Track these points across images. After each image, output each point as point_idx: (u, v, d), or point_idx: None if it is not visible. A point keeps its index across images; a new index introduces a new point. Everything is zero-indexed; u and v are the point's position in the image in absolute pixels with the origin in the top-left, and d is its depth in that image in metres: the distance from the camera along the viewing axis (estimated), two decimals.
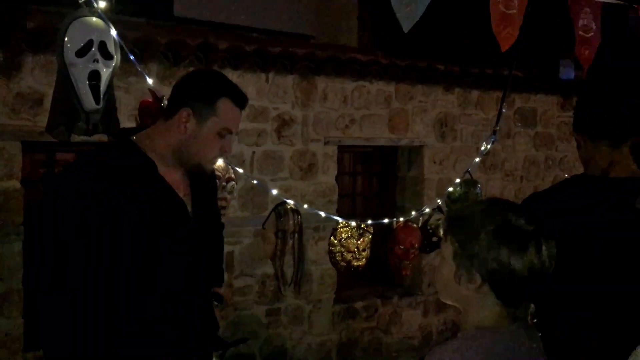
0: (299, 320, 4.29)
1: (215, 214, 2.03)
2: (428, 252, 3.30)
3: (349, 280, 4.55)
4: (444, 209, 3.29)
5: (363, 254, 2.99)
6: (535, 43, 5.33)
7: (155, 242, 1.66)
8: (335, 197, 4.43)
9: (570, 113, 5.53)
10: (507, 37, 3.38)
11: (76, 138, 2.23)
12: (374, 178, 5.02)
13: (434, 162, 4.83)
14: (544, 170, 5.39)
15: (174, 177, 1.76)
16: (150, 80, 2.44)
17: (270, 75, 4.09)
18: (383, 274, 4.61)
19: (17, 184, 3.31)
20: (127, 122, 3.04)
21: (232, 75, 3.95)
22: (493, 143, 3.45)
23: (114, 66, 2.28)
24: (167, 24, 4.22)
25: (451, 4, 4.87)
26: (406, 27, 3.00)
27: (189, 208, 1.77)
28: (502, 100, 3.50)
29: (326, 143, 4.35)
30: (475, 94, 4.99)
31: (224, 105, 1.72)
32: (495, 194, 5.09)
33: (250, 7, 4.58)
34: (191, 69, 3.81)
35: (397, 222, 3.13)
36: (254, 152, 4.05)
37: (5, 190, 3.25)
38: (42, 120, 3.43)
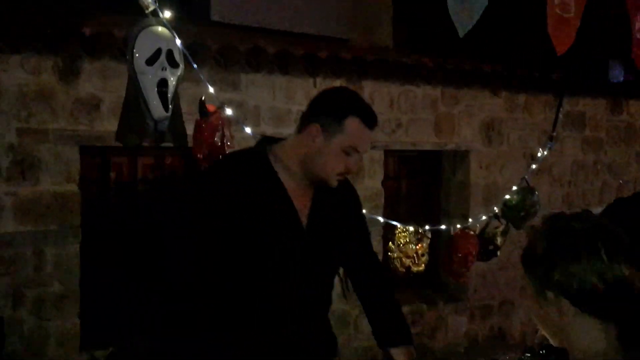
0: (345, 324, 4.27)
1: (352, 229, 1.98)
2: (485, 261, 3.25)
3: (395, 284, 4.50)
4: (500, 216, 3.24)
5: (422, 259, 2.96)
6: (585, 44, 5.23)
7: (262, 248, 1.72)
8: (382, 201, 4.40)
9: (620, 117, 5.39)
10: (563, 40, 3.32)
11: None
12: (419, 182, 4.98)
13: (480, 167, 4.77)
14: (592, 175, 5.28)
15: (296, 188, 1.79)
16: (211, 89, 2.45)
17: (318, 79, 4.08)
18: (428, 278, 4.57)
19: (75, 188, 3.36)
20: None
21: (281, 80, 3.96)
22: (550, 149, 3.40)
23: (180, 75, 2.29)
24: (213, 28, 4.24)
25: (495, 3, 4.81)
26: (462, 31, 2.95)
27: (304, 218, 1.79)
28: (559, 105, 3.45)
29: (373, 147, 4.31)
30: (522, 97, 4.91)
31: (352, 124, 1.73)
32: (543, 199, 4.99)
33: (283, 11, 4.56)
34: (241, 73, 3.83)
35: (455, 229, 3.09)
36: None
37: (63, 194, 3.30)
38: (99, 125, 3.51)
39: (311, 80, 4.05)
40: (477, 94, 4.70)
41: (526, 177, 3.33)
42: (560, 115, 3.52)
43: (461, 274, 3.10)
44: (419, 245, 2.96)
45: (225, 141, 2.34)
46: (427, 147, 4.56)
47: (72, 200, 3.32)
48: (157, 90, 2.18)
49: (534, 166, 3.39)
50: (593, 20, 4.66)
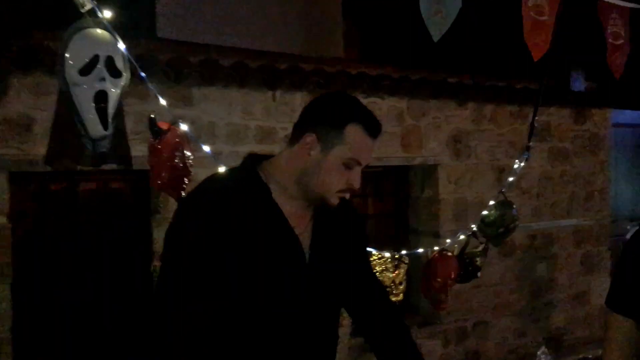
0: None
1: (355, 257, 1.72)
2: (463, 283, 3.00)
3: None
4: (477, 233, 3.01)
5: (400, 287, 2.69)
6: (547, 52, 5.13)
7: (257, 279, 1.49)
8: None
9: (583, 126, 5.28)
10: (539, 45, 3.14)
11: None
12: (386, 200, 4.73)
13: (449, 182, 4.56)
14: (560, 186, 5.15)
15: (294, 210, 1.56)
16: (163, 101, 2.13)
17: (278, 93, 3.80)
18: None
19: (4, 219, 2.95)
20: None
21: (238, 94, 3.65)
22: (527, 160, 3.20)
23: (123, 85, 1.97)
24: (161, 43, 3.91)
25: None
26: (436, 35, 2.72)
27: (306, 246, 1.56)
28: (534, 114, 3.27)
29: None
30: (489, 108, 4.74)
31: (353, 133, 1.50)
32: None
33: (231, 27, 4.29)
34: (193, 87, 3.51)
35: (433, 251, 2.83)
36: None
37: None
38: (32, 148, 3.12)
39: (270, 94, 3.76)
40: (444, 106, 4.51)
41: (503, 190, 3.12)
42: (536, 124, 3.32)
43: (442, 301, 2.85)
44: (396, 272, 2.69)
45: (187, 162, 2.02)
46: (395, 162, 4.33)
47: (1, 235, 2.91)
48: (95, 104, 1.85)
49: (510, 179, 3.18)
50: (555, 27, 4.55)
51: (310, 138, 1.51)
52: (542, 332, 5.10)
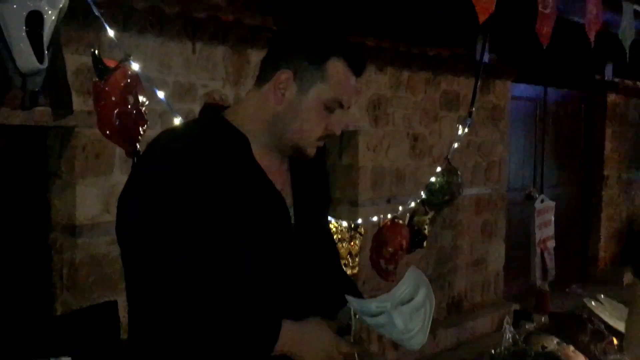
0: None
1: (322, 217, 1.54)
2: (409, 253, 2.88)
3: None
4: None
5: (356, 260, 2.49)
6: (455, 20, 5.15)
7: (242, 247, 1.27)
8: None
9: (487, 97, 5.40)
10: (484, 6, 3.05)
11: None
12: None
13: (368, 149, 4.43)
14: (465, 156, 5.24)
15: (270, 164, 1.35)
16: (111, 32, 1.71)
17: (198, 45, 3.39)
18: None
19: None
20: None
21: (154, 43, 3.20)
22: (469, 126, 3.13)
23: (62, 8, 1.54)
24: None
25: None
26: None
27: (288, 202, 1.36)
28: (477, 81, 3.20)
29: None
30: (405, 74, 4.66)
31: (335, 69, 1.30)
32: (424, 182, 4.82)
33: None
34: (100, 33, 3.00)
35: (384, 219, 2.67)
36: None
37: None
38: None
39: (190, 46, 3.35)
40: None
41: (449, 157, 3.02)
42: (478, 91, 3.26)
43: (391, 272, 2.70)
44: (352, 243, 2.49)
45: (141, 107, 1.64)
46: None
47: None
48: (26, 29, 1.42)
49: (455, 145, 3.09)
50: None
51: (285, 75, 1.30)
52: (445, 298, 5.21)
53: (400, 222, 2.70)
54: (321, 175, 1.55)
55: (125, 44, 3.05)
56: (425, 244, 2.83)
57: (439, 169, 2.96)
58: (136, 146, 1.71)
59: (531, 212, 6.44)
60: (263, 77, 1.35)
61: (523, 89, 6.13)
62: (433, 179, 2.90)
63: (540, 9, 3.54)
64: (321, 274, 1.46)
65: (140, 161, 1.30)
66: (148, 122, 1.69)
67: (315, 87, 1.30)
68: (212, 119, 1.35)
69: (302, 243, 1.39)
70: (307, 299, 1.39)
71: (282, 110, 1.32)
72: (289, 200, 1.37)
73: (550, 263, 4.46)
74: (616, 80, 6.97)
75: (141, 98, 1.66)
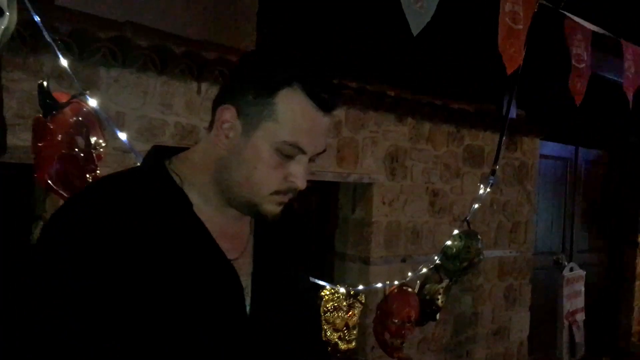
0: None
1: (296, 292, 1.20)
2: (420, 326, 2.56)
3: None
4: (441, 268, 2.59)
5: (353, 333, 2.18)
6: (481, 75, 4.92)
7: (170, 339, 0.97)
8: None
9: (514, 154, 5.10)
10: (512, 57, 2.81)
11: None
12: (310, 221, 4.23)
13: (383, 203, 4.14)
14: (489, 215, 4.91)
15: (224, 225, 1.08)
16: (65, 62, 1.50)
17: (204, 86, 3.19)
18: None
19: None
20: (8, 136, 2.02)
21: (156, 82, 3.01)
22: (491, 185, 2.84)
23: (4, 29, 1.34)
24: (65, 11, 3.19)
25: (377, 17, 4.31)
26: (415, 28, 2.28)
27: (245, 278, 1.07)
28: (502, 136, 2.93)
29: None
30: (427, 126, 4.40)
31: (289, 103, 1.01)
32: (442, 241, 4.50)
33: (145, 4, 3.70)
34: (101, 67, 2.83)
35: (391, 286, 2.36)
36: None
37: None
38: None
39: (195, 86, 3.15)
40: (383, 119, 4.10)
41: (467, 218, 2.73)
42: (503, 147, 2.99)
43: (397, 348, 2.38)
44: (350, 312, 2.18)
45: (93, 152, 1.40)
46: (328, 178, 3.84)
47: None
48: None
49: (476, 205, 2.79)
50: (487, 49, 4.34)
51: (228, 112, 1.04)
52: None
53: (409, 290, 2.39)
54: (295, 237, 1.24)
55: (124, 80, 2.89)
56: (437, 316, 2.51)
57: (456, 232, 2.66)
58: None
59: (559, 279, 6.04)
60: (212, 120, 1.10)
61: (553, 148, 5.82)
62: (449, 243, 2.59)
63: (573, 63, 3.29)
64: None
65: (56, 211, 1.04)
66: (98, 169, 1.45)
67: (262, 127, 1.03)
68: (152, 169, 1.09)
69: (260, 321, 1.07)
70: None
71: (227, 156, 1.05)
72: (245, 271, 1.08)
73: (580, 338, 4.06)
74: None
75: (95, 140, 1.43)
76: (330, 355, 1.38)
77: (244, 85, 1.04)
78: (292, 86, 1.02)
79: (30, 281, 0.96)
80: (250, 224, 1.15)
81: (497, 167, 2.87)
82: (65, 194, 1.38)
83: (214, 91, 3.23)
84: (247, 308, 1.06)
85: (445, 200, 4.56)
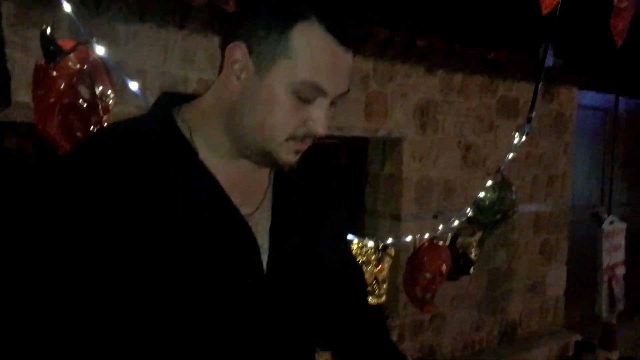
0: None
1: (336, 250, 1.14)
2: (453, 280, 2.48)
3: None
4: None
5: (383, 287, 2.12)
6: (516, 21, 4.69)
7: (175, 299, 0.90)
8: None
9: (550, 105, 4.90)
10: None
11: None
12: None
13: (413, 159, 4.04)
14: (524, 169, 4.76)
15: (237, 176, 0.98)
16: (67, 7, 1.43)
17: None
18: None
19: None
20: (25, 96, 1.98)
21: (176, 36, 2.93)
22: (527, 134, 2.70)
23: None
24: None
25: None
26: None
27: (262, 236, 0.98)
28: (537, 84, 2.78)
29: None
30: (458, 78, 4.24)
31: (306, 37, 0.91)
32: (476, 196, 4.38)
33: None
34: (119, 22, 2.76)
35: (422, 240, 2.28)
36: None
37: None
38: None
39: (217, 39, 3.06)
40: (412, 71, 3.95)
41: (502, 169, 2.61)
42: (540, 96, 2.84)
43: (428, 302, 2.32)
44: (379, 266, 2.11)
45: (102, 101, 1.34)
46: (356, 133, 3.74)
47: None
48: None
49: (511, 155, 2.67)
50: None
51: (238, 50, 0.93)
52: (497, 325, 4.74)
53: (441, 243, 2.31)
54: (326, 187, 1.12)
55: (142, 36, 2.82)
56: (472, 270, 2.43)
57: (489, 183, 2.55)
58: None
59: (598, 233, 5.86)
60: (222, 60, 0.99)
61: (591, 97, 5.58)
62: (482, 194, 2.49)
63: (615, 2, 3.08)
64: (340, 328, 1.10)
65: (59, 159, 0.98)
66: (104, 121, 1.39)
67: (277, 65, 0.92)
68: (158, 116, 1.00)
69: (278, 280, 0.99)
70: None
71: (239, 99, 0.95)
72: (262, 228, 1.00)
73: (619, 292, 3.94)
74: None
75: (101, 90, 1.36)
76: (381, 310, 1.31)
77: (255, 19, 0.94)
78: (310, 19, 0.92)
79: (25, 243, 0.90)
80: (269, 176, 1.06)
81: (534, 114, 2.73)
82: (67, 146, 1.33)
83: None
84: (264, 266, 0.98)
85: (478, 154, 4.42)
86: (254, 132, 0.95)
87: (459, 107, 4.26)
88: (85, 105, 1.31)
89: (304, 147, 0.99)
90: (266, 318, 0.97)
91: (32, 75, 1.35)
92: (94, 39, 1.44)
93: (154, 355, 0.91)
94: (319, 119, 0.95)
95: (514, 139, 2.60)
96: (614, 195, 5.97)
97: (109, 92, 1.38)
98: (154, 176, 0.92)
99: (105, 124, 1.01)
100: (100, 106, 1.33)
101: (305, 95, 0.93)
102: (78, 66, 1.31)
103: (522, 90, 4.68)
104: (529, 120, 2.68)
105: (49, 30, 1.35)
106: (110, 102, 1.38)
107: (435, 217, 4.00)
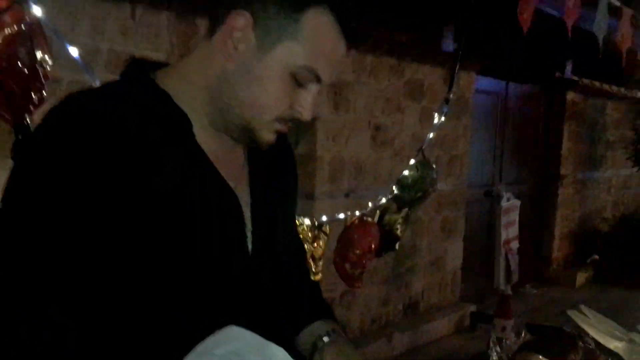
0: None
1: (289, 223, 1.15)
2: (379, 256, 2.54)
3: None
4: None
5: (319, 264, 2.13)
6: (422, 7, 4.84)
7: (175, 259, 0.88)
8: None
9: (453, 89, 5.15)
10: None
11: None
12: None
13: (327, 138, 4.07)
14: (428, 149, 4.92)
15: (218, 150, 0.96)
16: None
17: (138, 10, 2.93)
18: None
19: None
20: None
21: (85, 3, 2.73)
22: (445, 114, 2.80)
23: None
24: None
25: None
26: None
27: (244, 208, 0.97)
28: (455, 66, 2.89)
29: None
30: (369, 59, 4.31)
31: (316, 25, 0.92)
32: (384, 175, 4.51)
33: None
34: None
35: (352, 217, 2.31)
36: None
37: None
38: None
39: (128, 9, 2.89)
40: None
41: (423, 148, 2.70)
42: (456, 77, 2.95)
43: (357, 278, 2.35)
44: (316, 244, 2.11)
45: (39, 68, 1.22)
46: None
47: None
48: None
49: (431, 135, 2.76)
50: None
51: (242, 20, 0.92)
52: (402, 299, 4.93)
53: (370, 220, 2.35)
54: (289, 167, 1.16)
55: (48, 2, 2.59)
56: (397, 245, 2.50)
57: (412, 162, 2.62)
58: (24, 119, 1.29)
59: (490, 209, 6.25)
60: (213, 24, 0.96)
61: (485, 82, 5.90)
62: (406, 172, 2.56)
63: None
64: (286, 300, 1.09)
65: (33, 134, 0.89)
66: (46, 89, 1.27)
67: (282, 45, 0.92)
68: (138, 81, 0.94)
69: (261, 260, 1.01)
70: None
71: (232, 70, 0.93)
72: (245, 201, 1.00)
73: (514, 265, 4.23)
74: (575, 78, 6.86)
75: (40, 55, 1.24)
76: (318, 284, 1.32)
77: None
78: (322, 5, 0.93)
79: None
80: (244, 152, 1.05)
81: (452, 95, 2.84)
82: (7, 115, 1.19)
83: (147, 17, 2.98)
84: (249, 245, 0.99)
85: (387, 134, 4.54)
86: (243, 107, 0.94)
87: (370, 88, 4.34)
88: (25, 70, 1.18)
89: (285, 129, 1.00)
90: (251, 296, 0.96)
91: None
92: (32, 0, 1.30)
93: (137, 327, 0.86)
94: (306, 104, 0.97)
95: (433, 119, 2.69)
96: (503, 175, 6.39)
97: (47, 57, 1.25)
98: (147, 140, 0.88)
99: (69, 93, 0.92)
100: (41, 72, 1.21)
101: (301, 78, 0.94)
102: (15, 28, 1.17)
103: (426, 74, 4.85)
104: (446, 101, 2.77)
105: None
106: (48, 69, 1.25)
107: (346, 195, 4.07)
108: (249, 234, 0.97)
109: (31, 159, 0.84)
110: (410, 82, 4.70)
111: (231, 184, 0.97)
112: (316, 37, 0.93)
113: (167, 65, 1.04)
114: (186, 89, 0.94)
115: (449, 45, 5.32)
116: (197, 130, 0.95)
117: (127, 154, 0.84)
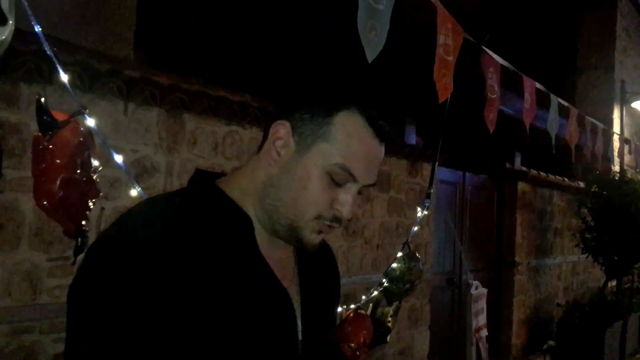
0: None
1: (330, 322, 1.21)
2: (370, 349, 2.57)
3: None
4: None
5: None
6: (385, 101, 5.13)
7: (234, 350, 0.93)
8: None
9: (415, 179, 5.35)
10: (445, 86, 2.98)
11: None
12: None
13: None
14: (395, 238, 5.09)
15: (272, 252, 1.04)
16: (64, 76, 1.37)
17: (131, 106, 3.02)
18: None
19: None
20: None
21: (82, 100, 2.80)
22: (427, 208, 2.95)
23: (4, 39, 1.21)
24: None
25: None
26: (370, 55, 2.36)
27: (296, 305, 1.04)
28: (435, 161, 3.06)
29: None
30: None
31: (346, 126, 0.99)
32: (355, 264, 4.60)
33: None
34: (22, 83, 2.58)
35: (348, 310, 2.36)
36: (102, 209, 2.88)
37: None
38: None
39: (121, 106, 2.97)
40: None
41: (409, 240, 2.81)
42: (436, 170, 3.13)
43: None
44: None
45: (92, 176, 1.28)
46: None
47: None
48: None
49: (415, 228, 2.89)
50: (392, 76, 4.55)
51: (283, 128, 1.02)
52: None
53: (364, 313, 2.41)
54: (333, 272, 1.25)
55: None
56: (388, 338, 2.55)
57: (399, 254, 2.72)
58: (82, 224, 1.33)
59: (452, 296, 6.36)
60: (263, 140, 1.06)
61: (445, 173, 6.19)
62: (394, 265, 2.65)
63: (488, 94, 3.55)
64: None
65: (104, 236, 0.95)
66: (101, 194, 1.34)
67: (317, 147, 1.00)
68: (205, 189, 1.03)
69: (308, 349, 1.07)
70: None
71: (276, 174, 1.01)
72: (296, 300, 1.06)
73: (485, 354, 4.30)
74: (525, 169, 7.27)
75: (94, 163, 1.31)
76: None
77: (302, 102, 1.02)
78: (351, 109, 1.01)
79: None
80: (294, 254, 1.12)
81: (433, 190, 3.00)
82: (67, 221, 1.23)
83: (140, 111, 3.07)
84: (299, 337, 1.05)
85: (357, 224, 4.66)
86: (287, 206, 1.01)
87: None
88: (83, 179, 1.24)
89: (329, 230, 1.06)
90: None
91: (32, 148, 1.24)
92: (87, 110, 1.37)
93: None
94: (345, 202, 1.03)
95: (417, 213, 2.82)
96: (462, 262, 6.56)
97: (99, 165, 1.31)
98: (209, 243, 0.95)
99: (147, 198, 0.99)
100: (93, 180, 1.26)
101: (337, 177, 1.01)
102: (75, 140, 1.24)
103: (393, 166, 5.07)
104: (428, 195, 2.92)
105: (43, 100, 1.26)
106: (97, 174, 1.32)
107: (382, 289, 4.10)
108: (299, 332, 1.04)
109: (103, 275, 0.89)
110: (378, 173, 4.89)
111: (284, 283, 1.04)
112: (347, 137, 1.00)
113: (224, 175, 1.12)
114: (243, 197, 1.03)
115: (412, 138, 5.62)
116: (256, 233, 1.03)
117: (189, 272, 0.91)
